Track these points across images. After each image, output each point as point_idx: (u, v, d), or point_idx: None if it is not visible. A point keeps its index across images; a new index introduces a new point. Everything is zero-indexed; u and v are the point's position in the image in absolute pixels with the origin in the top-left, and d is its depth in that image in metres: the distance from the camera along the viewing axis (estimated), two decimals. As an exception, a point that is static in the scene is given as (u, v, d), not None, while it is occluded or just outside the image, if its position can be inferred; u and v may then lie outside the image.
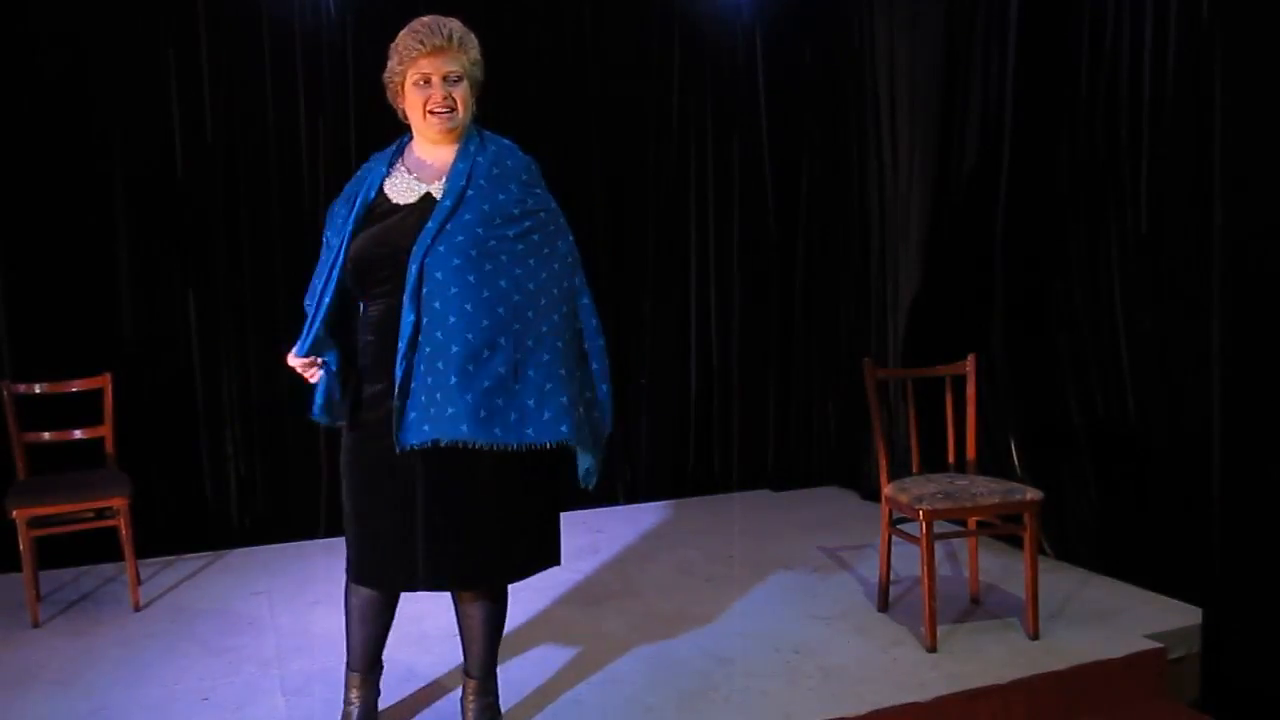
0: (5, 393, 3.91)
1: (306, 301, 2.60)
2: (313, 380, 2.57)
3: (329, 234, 2.62)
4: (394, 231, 2.48)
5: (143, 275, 4.46)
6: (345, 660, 2.80)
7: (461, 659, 2.82)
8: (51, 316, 4.32)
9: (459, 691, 3.08)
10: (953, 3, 4.50)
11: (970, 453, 3.61)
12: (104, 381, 4.04)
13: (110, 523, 3.78)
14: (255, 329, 4.52)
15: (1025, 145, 4.19)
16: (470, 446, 2.39)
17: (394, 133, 2.73)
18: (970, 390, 3.61)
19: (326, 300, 2.51)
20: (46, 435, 4.00)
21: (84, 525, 3.79)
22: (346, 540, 2.65)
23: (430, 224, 2.44)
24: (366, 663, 2.77)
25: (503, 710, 2.94)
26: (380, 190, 2.55)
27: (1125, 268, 3.78)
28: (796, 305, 5.47)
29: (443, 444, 2.39)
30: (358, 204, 2.54)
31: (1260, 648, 3.05)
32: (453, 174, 2.52)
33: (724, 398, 5.43)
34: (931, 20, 4.63)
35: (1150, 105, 3.64)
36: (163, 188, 4.47)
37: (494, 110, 4.85)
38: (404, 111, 2.59)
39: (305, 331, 2.53)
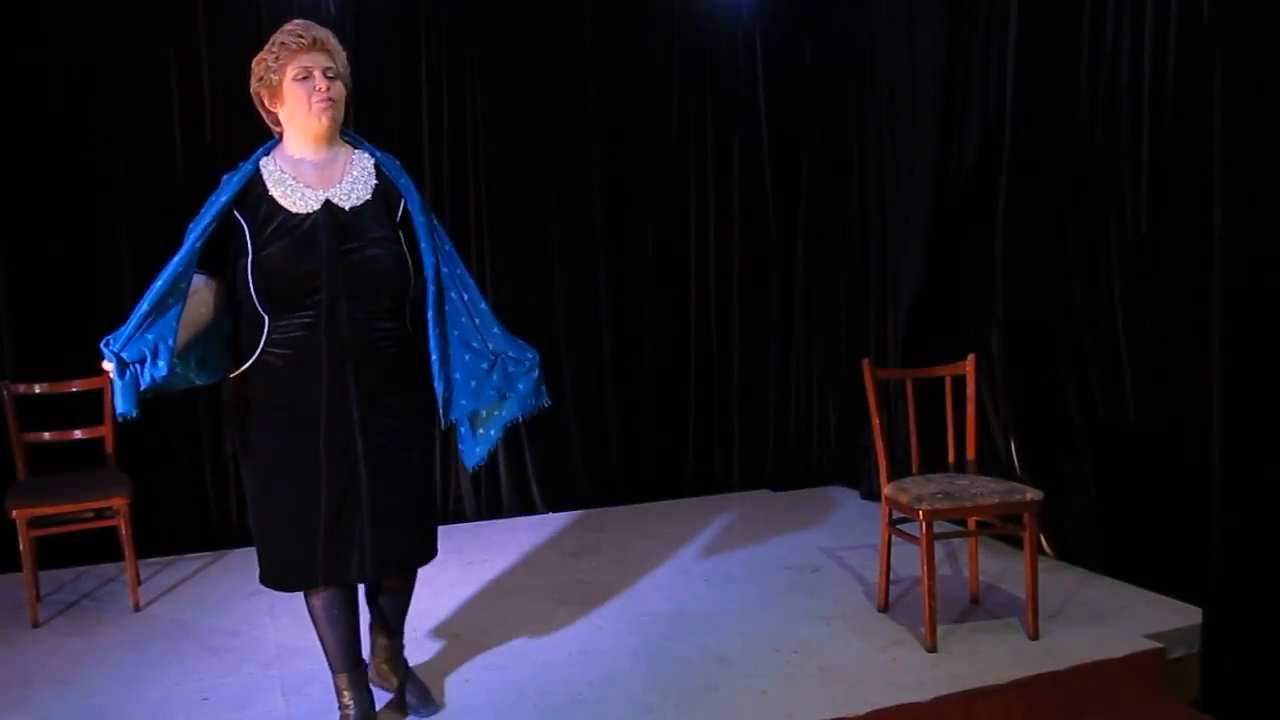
0: (5, 393, 3.92)
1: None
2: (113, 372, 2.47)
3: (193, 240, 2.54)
4: (317, 240, 2.51)
5: (143, 276, 4.39)
6: (329, 665, 2.80)
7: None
8: (51, 316, 4.32)
9: (460, 691, 3.09)
10: (953, 3, 4.50)
11: (970, 453, 3.61)
12: (104, 381, 4.03)
13: (110, 523, 3.78)
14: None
15: (1025, 145, 4.19)
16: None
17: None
18: (970, 390, 3.61)
19: (149, 302, 2.46)
20: (46, 435, 4.00)
21: (84, 525, 3.80)
22: (264, 547, 2.63)
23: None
24: (349, 661, 2.78)
25: (502, 710, 2.96)
26: (272, 199, 2.54)
27: (1125, 268, 3.78)
28: (796, 305, 5.47)
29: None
30: (251, 219, 2.52)
31: (1260, 648, 3.05)
32: (358, 176, 2.61)
33: (724, 398, 5.43)
34: (931, 20, 4.63)
35: (1150, 105, 3.64)
36: (163, 188, 4.47)
37: (494, 111, 4.90)
38: (275, 117, 2.61)
39: (127, 332, 2.44)
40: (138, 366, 2.41)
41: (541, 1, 4.98)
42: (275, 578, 2.66)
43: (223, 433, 4.56)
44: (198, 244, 2.49)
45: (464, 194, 4.85)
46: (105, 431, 4.03)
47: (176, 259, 2.48)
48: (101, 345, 2.42)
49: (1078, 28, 3.88)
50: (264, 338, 2.53)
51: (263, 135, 4.47)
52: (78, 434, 4.04)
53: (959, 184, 4.53)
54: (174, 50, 4.45)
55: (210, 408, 4.53)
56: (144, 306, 2.43)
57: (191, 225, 2.55)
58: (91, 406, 4.05)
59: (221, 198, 2.53)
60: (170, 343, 2.44)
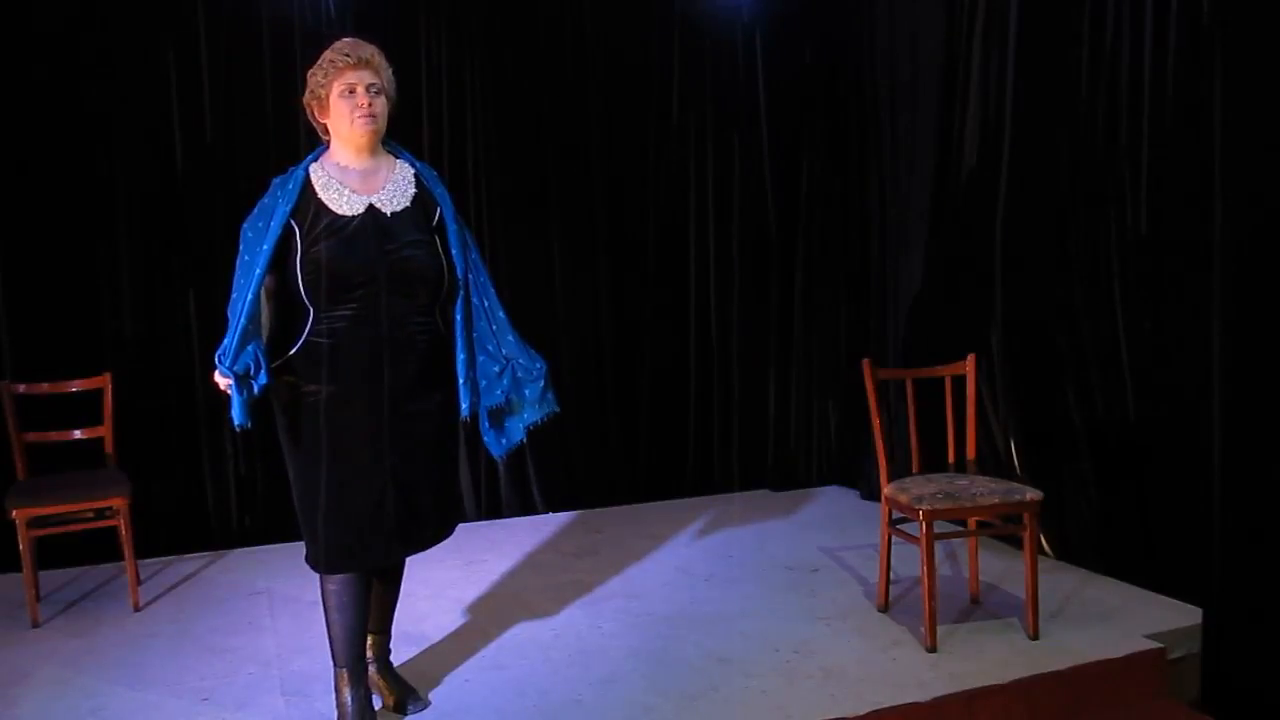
0: (5, 393, 3.91)
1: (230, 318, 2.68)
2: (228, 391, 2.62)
3: (246, 255, 2.69)
4: (361, 240, 2.67)
5: (143, 275, 4.46)
6: (331, 659, 2.83)
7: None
8: (51, 316, 4.32)
9: (460, 691, 3.09)
10: (953, 2, 4.50)
11: (970, 453, 3.61)
12: (104, 381, 4.04)
13: (110, 523, 3.78)
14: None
15: (1025, 145, 4.18)
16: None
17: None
18: (970, 390, 3.61)
19: (245, 316, 2.61)
20: (47, 435, 4.00)
21: (84, 525, 3.79)
22: (311, 530, 2.74)
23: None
24: (353, 654, 2.80)
25: (502, 710, 2.96)
26: (320, 202, 2.69)
27: (1125, 268, 3.78)
28: (796, 305, 5.47)
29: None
30: (301, 220, 2.68)
31: (1260, 648, 3.05)
32: (399, 184, 2.78)
33: (724, 398, 5.42)
34: (931, 20, 4.63)
35: (1150, 105, 3.64)
36: (163, 188, 4.47)
37: (495, 111, 4.90)
38: (324, 126, 2.78)
39: (234, 347, 2.59)
40: (250, 379, 2.60)
41: (542, 1, 4.98)
42: (315, 558, 2.76)
43: (222, 433, 4.56)
44: (271, 252, 2.64)
45: (464, 194, 4.84)
46: (105, 431, 4.03)
47: (258, 270, 2.63)
48: (217, 362, 2.58)
49: (1078, 28, 3.88)
50: (308, 328, 2.68)
51: (263, 136, 4.52)
52: (78, 434, 4.04)
53: (959, 184, 4.53)
54: (174, 51, 4.45)
55: (209, 407, 4.53)
56: (243, 321, 2.59)
57: (246, 226, 2.72)
58: (91, 406, 4.05)
59: (283, 206, 2.68)
60: (263, 351, 2.63)
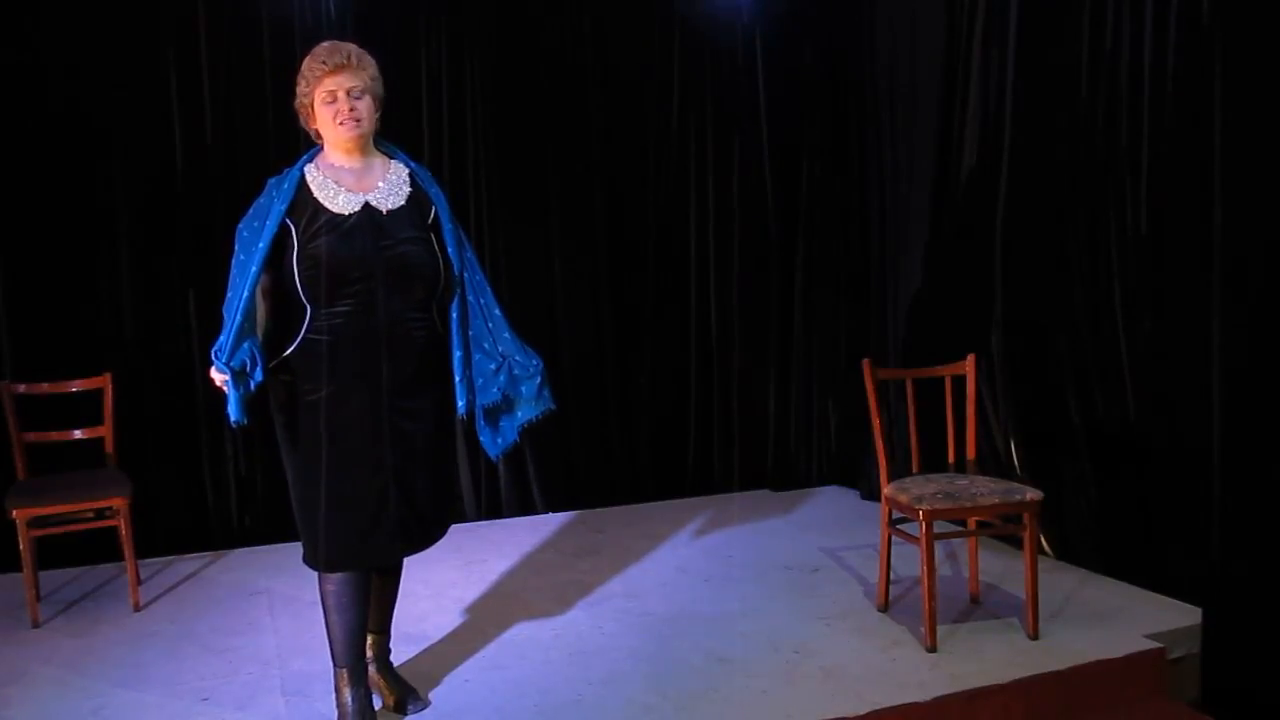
0: (5, 393, 3.91)
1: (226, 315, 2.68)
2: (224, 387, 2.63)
3: (242, 255, 2.70)
4: (358, 237, 2.68)
5: (143, 275, 4.46)
6: (331, 659, 2.83)
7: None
8: (51, 316, 4.32)
9: (460, 691, 3.09)
10: (953, 3, 4.50)
11: (970, 453, 3.61)
12: (104, 381, 4.04)
13: (110, 523, 3.78)
14: (255, 329, 4.52)
15: (1025, 145, 4.18)
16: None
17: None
18: (970, 390, 3.61)
19: (241, 314, 2.62)
20: (47, 435, 4.00)
21: (84, 525, 3.80)
22: (310, 530, 2.75)
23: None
24: (353, 654, 2.81)
25: (502, 710, 2.97)
26: (317, 201, 2.71)
27: (1125, 268, 3.78)
28: (796, 305, 5.47)
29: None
30: (298, 218, 2.69)
31: (1260, 648, 3.05)
32: (394, 183, 2.79)
33: (724, 398, 5.42)
34: (931, 20, 4.63)
35: (1150, 105, 3.64)
36: (163, 188, 4.47)
37: (495, 111, 4.90)
38: (316, 132, 2.80)
39: (230, 343, 2.59)
40: (246, 375, 2.61)
41: (541, 2, 4.98)
42: (314, 557, 2.76)
43: (222, 433, 4.56)
44: (266, 250, 2.66)
45: (464, 194, 4.85)
46: (105, 431, 4.03)
47: (253, 269, 2.64)
48: (213, 358, 2.58)
49: (1078, 28, 3.88)
50: (305, 326, 2.69)
51: (263, 136, 4.51)
52: (78, 434, 4.05)
53: (959, 184, 4.53)
54: (174, 51, 4.45)
55: (210, 407, 4.53)
56: (238, 318, 2.60)
57: (242, 226, 2.73)
58: (91, 406, 4.05)
59: (279, 205, 2.70)
60: (259, 348, 2.64)
